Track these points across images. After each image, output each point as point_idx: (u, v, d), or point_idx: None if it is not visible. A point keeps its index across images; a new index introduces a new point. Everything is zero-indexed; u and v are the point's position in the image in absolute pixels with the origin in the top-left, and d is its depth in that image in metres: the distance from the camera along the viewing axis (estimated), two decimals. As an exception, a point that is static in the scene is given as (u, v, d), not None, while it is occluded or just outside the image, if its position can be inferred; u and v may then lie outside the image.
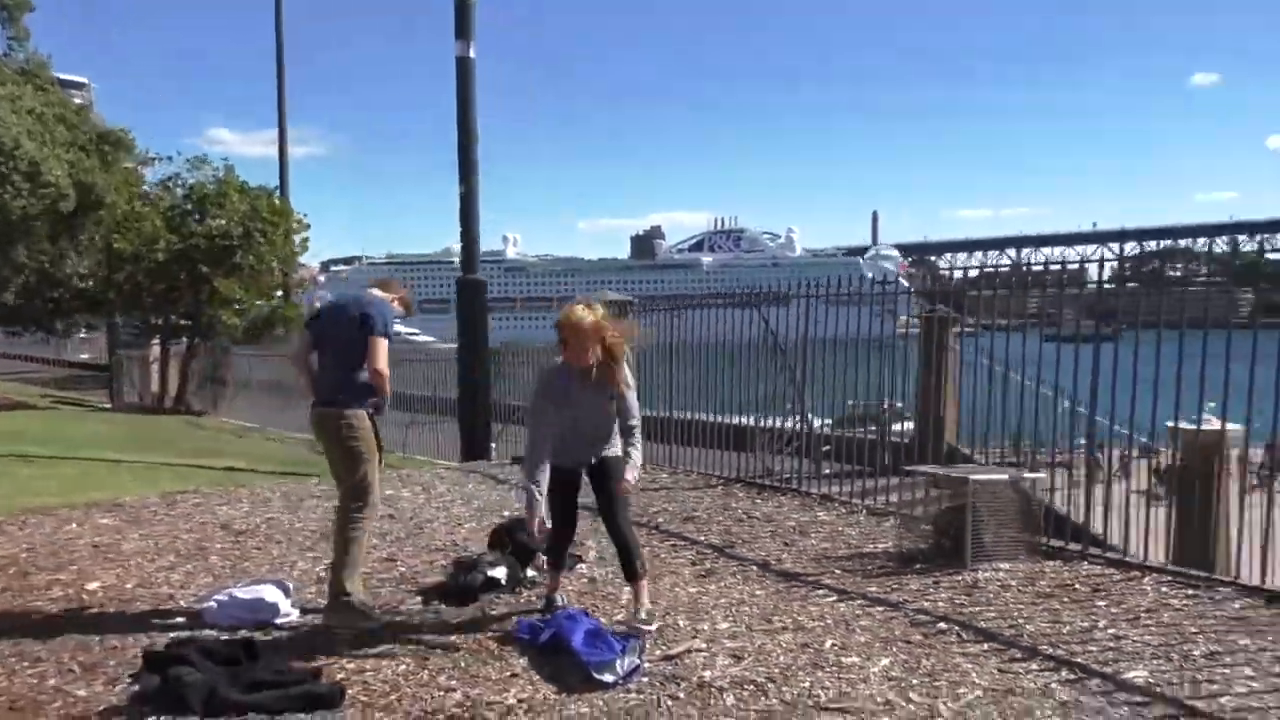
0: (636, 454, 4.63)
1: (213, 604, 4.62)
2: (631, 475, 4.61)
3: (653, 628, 4.45)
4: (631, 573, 4.61)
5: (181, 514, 7.34)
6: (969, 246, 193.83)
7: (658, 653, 4.21)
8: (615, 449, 4.71)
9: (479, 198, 12.36)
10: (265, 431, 17.82)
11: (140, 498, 7.96)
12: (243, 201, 20.96)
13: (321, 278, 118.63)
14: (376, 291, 4.89)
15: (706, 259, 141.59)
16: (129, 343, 26.18)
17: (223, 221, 20.93)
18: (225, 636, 4.27)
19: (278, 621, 4.61)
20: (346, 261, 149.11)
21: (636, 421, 4.65)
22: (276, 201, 22.02)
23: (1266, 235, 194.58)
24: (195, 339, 22.64)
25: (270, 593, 4.69)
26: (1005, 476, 5.99)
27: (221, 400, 22.09)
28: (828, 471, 9.00)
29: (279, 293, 24.42)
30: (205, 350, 22.62)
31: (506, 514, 7.28)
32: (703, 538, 6.61)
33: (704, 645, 4.30)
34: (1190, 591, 5.22)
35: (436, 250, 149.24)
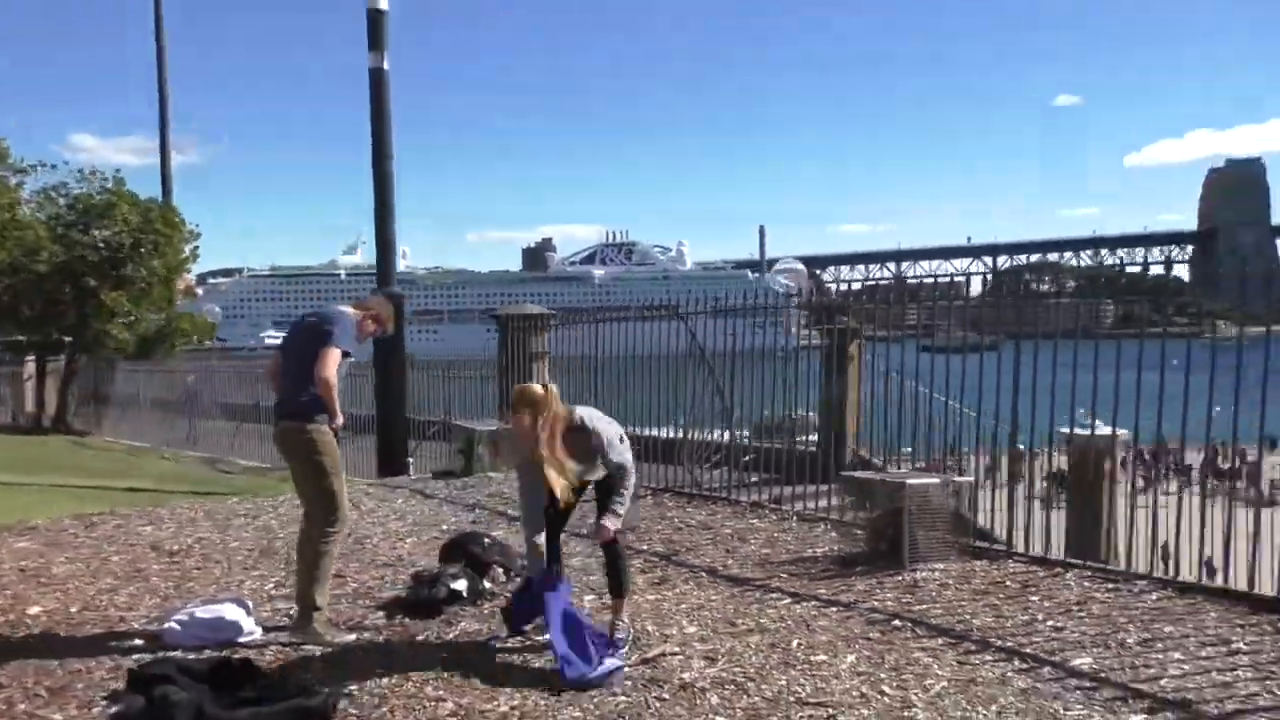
0: (619, 507, 4.42)
1: (174, 625, 4.52)
2: (609, 523, 4.40)
3: (623, 636, 4.47)
4: (615, 588, 4.59)
5: (104, 536, 7.08)
6: (852, 260, 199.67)
7: (634, 657, 4.32)
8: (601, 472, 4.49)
9: (395, 210, 12.27)
10: (160, 450, 17.17)
11: (54, 520, 7.64)
12: (134, 213, 20.16)
13: (200, 290, 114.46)
14: (346, 307, 4.85)
15: (599, 272, 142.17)
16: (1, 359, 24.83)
17: (109, 233, 20.09)
18: (193, 656, 4.19)
19: (241, 640, 4.54)
20: (227, 273, 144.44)
21: (622, 481, 4.45)
22: (168, 213, 21.26)
23: (1126, 250, 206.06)
24: (75, 354, 21.62)
25: (231, 611, 4.61)
26: (938, 480, 6.30)
27: (106, 419, 21.16)
28: (754, 480, 9.27)
29: (177, 303, 23.55)
30: (87, 365, 21.62)
31: (445, 528, 7.28)
32: (646, 546, 6.74)
33: (677, 649, 4.43)
34: (1110, 585, 5.60)
35: (322, 262, 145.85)
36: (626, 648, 4.39)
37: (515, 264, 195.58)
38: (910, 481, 6.14)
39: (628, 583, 4.66)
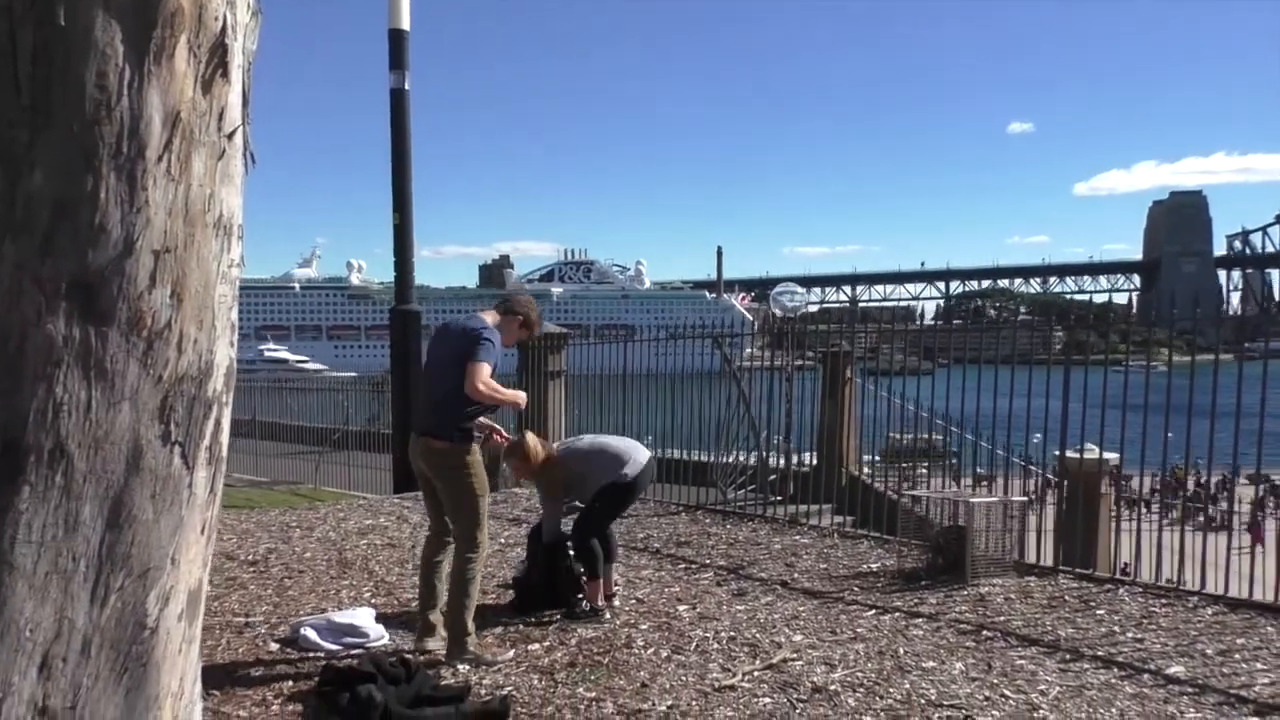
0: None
1: (310, 630, 4.66)
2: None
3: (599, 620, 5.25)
4: (591, 571, 5.40)
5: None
6: (808, 282, 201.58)
7: (757, 662, 4.54)
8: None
9: (413, 229, 12.39)
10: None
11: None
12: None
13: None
14: (487, 315, 4.81)
15: (557, 289, 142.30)
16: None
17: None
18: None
19: (370, 645, 4.69)
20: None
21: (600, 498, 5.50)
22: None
23: (1074, 276, 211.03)
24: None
25: (363, 617, 4.78)
26: (997, 499, 6.62)
27: None
28: (778, 498, 9.55)
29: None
30: None
31: (504, 540, 7.45)
32: (709, 560, 6.96)
33: (794, 655, 4.67)
34: (1164, 600, 5.92)
35: (276, 275, 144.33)
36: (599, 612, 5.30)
37: (472, 280, 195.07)
38: (973, 500, 6.44)
39: (599, 563, 5.41)
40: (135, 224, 1.97)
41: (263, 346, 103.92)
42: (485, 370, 4.43)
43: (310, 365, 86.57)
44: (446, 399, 4.57)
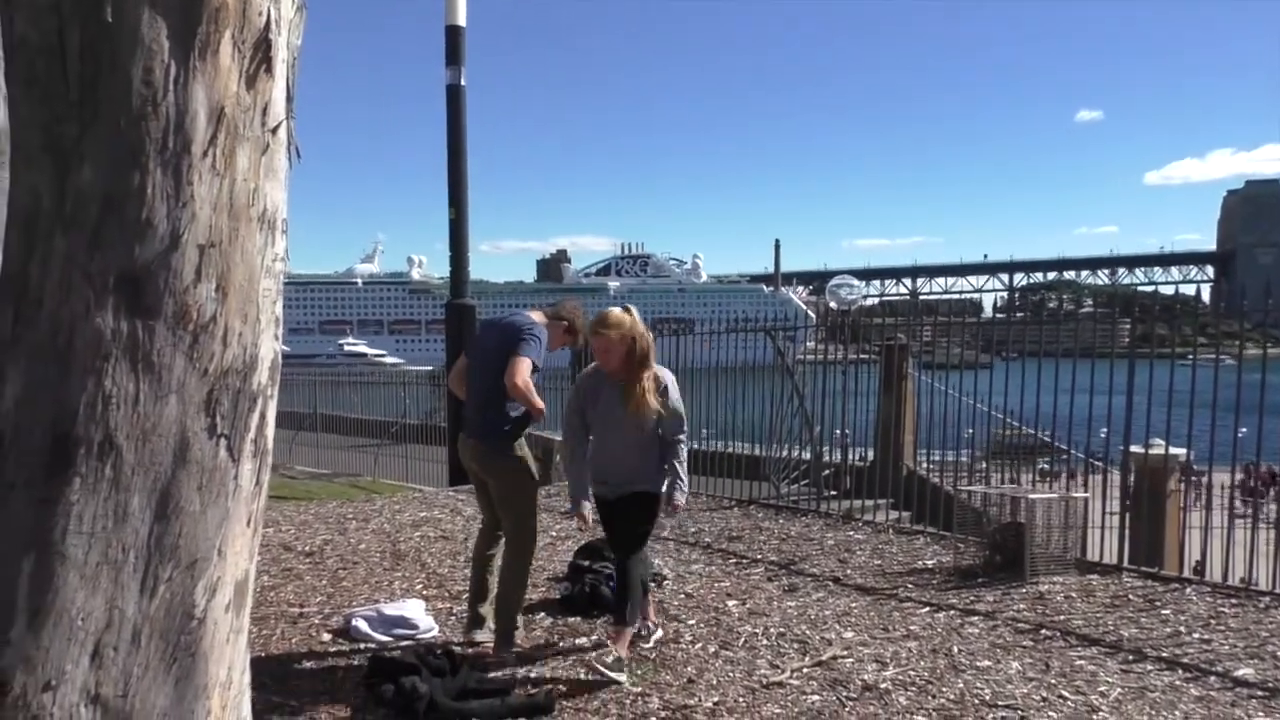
0: (684, 482, 4.46)
1: (361, 621, 4.72)
2: (680, 498, 4.45)
3: (622, 678, 4.11)
4: (620, 616, 4.40)
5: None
6: (867, 275, 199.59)
7: (806, 659, 4.50)
8: (652, 483, 4.48)
9: (469, 223, 12.50)
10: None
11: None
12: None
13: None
14: (538, 315, 4.72)
15: (614, 283, 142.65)
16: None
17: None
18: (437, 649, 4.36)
19: (420, 637, 4.74)
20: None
21: (678, 439, 4.46)
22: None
23: (1143, 268, 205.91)
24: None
25: (413, 609, 4.83)
26: (1056, 495, 6.48)
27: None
28: (832, 493, 9.46)
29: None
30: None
31: (555, 533, 7.48)
32: (760, 556, 6.91)
33: (844, 652, 4.61)
34: (1234, 601, 5.75)
35: (338, 270, 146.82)
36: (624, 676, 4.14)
37: (530, 275, 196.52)
38: (1032, 496, 6.31)
39: (635, 610, 4.40)
40: (181, 218, 1.99)
41: (341, 341, 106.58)
42: (527, 367, 4.35)
43: (388, 360, 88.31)
44: (490, 399, 4.47)
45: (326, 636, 4.74)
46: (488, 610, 4.70)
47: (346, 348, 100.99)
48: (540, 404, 4.44)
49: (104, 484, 1.95)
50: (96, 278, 1.93)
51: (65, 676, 1.94)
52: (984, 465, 9.06)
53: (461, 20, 11.99)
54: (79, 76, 1.90)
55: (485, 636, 4.65)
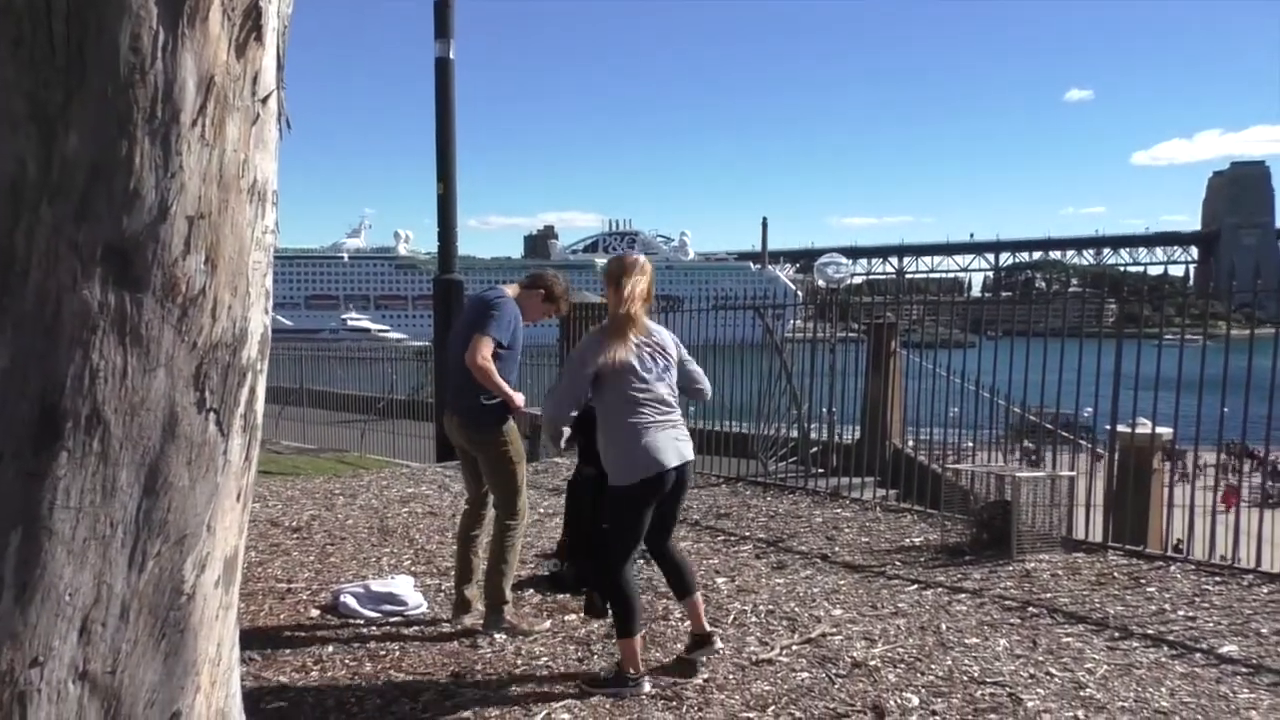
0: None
1: (349, 598, 4.71)
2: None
3: (647, 687, 3.88)
4: (686, 587, 4.08)
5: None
6: (854, 253, 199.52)
7: (795, 636, 4.51)
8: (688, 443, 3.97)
9: (456, 199, 12.42)
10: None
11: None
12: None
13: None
14: (509, 288, 4.58)
15: (601, 260, 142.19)
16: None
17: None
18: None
19: (409, 613, 4.73)
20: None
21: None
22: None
23: (1129, 248, 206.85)
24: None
25: (401, 585, 4.81)
26: (1044, 474, 6.50)
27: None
28: (819, 470, 9.48)
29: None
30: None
31: (544, 509, 7.48)
32: (748, 533, 6.92)
33: (833, 629, 4.62)
34: (1218, 579, 5.79)
35: (324, 245, 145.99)
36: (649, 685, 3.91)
37: (517, 251, 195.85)
38: (1020, 475, 6.33)
39: (635, 617, 3.90)
40: (170, 189, 1.95)
41: (345, 316, 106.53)
42: (486, 346, 4.23)
43: (392, 335, 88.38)
44: (465, 376, 4.34)
45: (315, 613, 4.73)
46: (474, 593, 4.68)
47: (350, 323, 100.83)
48: (503, 384, 4.29)
49: (92, 458, 1.92)
50: (84, 248, 1.90)
51: (53, 652, 1.92)
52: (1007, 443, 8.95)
53: (450, -8, 11.88)
54: (65, 40, 1.86)
55: (473, 619, 4.63)
